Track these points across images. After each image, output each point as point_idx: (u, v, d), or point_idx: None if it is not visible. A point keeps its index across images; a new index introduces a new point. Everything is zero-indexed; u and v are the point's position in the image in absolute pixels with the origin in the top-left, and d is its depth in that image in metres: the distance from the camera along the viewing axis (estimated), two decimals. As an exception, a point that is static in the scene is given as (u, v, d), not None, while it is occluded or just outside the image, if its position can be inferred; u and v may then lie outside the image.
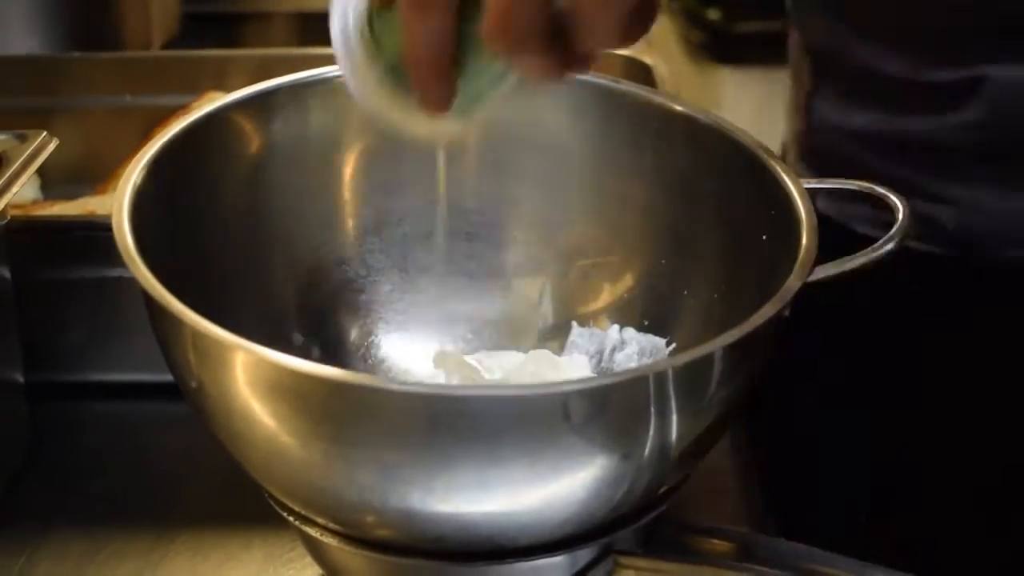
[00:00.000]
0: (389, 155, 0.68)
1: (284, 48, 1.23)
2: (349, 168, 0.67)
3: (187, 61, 1.04)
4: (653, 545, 0.58)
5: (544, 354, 0.68)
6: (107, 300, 0.74)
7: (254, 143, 0.64)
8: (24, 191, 0.94)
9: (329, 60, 0.66)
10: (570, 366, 0.68)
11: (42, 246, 0.75)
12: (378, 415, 0.49)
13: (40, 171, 0.95)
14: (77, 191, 0.94)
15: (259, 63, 1.01)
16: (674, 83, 0.95)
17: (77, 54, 1.10)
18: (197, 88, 0.98)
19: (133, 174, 0.58)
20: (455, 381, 0.66)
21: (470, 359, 0.68)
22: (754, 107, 2.46)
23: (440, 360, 0.67)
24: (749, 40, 2.42)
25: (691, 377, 0.52)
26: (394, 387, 0.51)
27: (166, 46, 1.28)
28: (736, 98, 2.45)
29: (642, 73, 0.97)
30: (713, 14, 2.42)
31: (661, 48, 2.43)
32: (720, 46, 2.42)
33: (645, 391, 0.50)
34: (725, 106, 2.45)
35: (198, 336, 0.51)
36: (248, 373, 0.50)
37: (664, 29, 2.48)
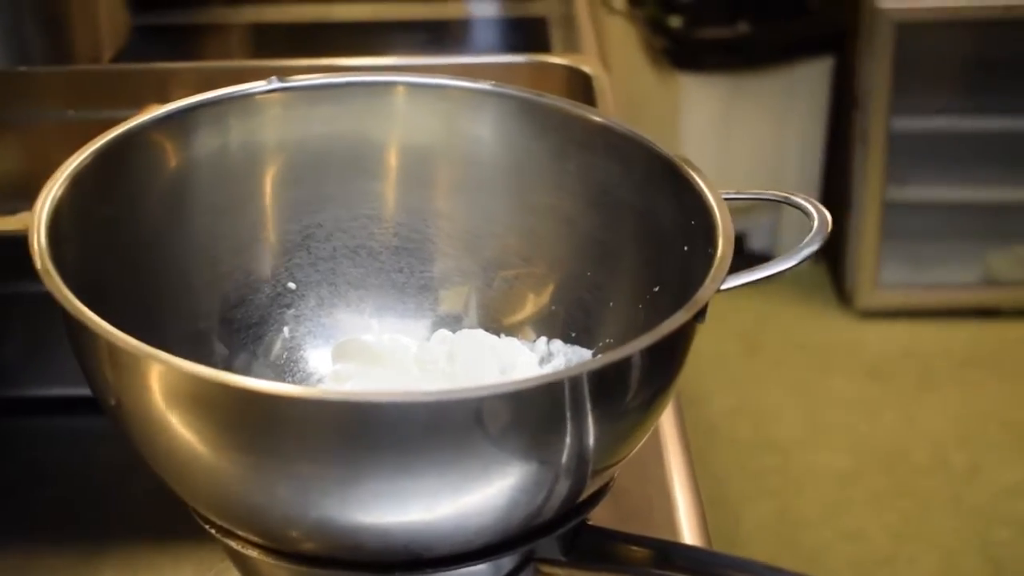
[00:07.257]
0: (313, 171, 0.68)
1: (230, 60, 1.23)
2: (271, 184, 0.68)
3: (130, 75, 1.04)
4: (575, 553, 0.58)
5: (473, 333, 0.67)
6: (41, 315, 0.73)
7: (174, 160, 0.65)
8: (-35, 206, 0.94)
9: (272, 72, 0.67)
10: (504, 347, 0.67)
11: (-27, 262, 0.75)
12: (285, 423, 0.49)
13: (-19, 186, 0.96)
14: (19, 206, 0.94)
15: (204, 76, 1.01)
16: (615, 91, 0.95)
17: (19, 69, 1.10)
18: (140, 102, 0.98)
19: (52, 188, 0.58)
20: (356, 369, 0.66)
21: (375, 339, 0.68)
22: (715, 114, 2.48)
23: (339, 351, 0.67)
24: (711, 46, 2.43)
25: (606, 382, 0.52)
26: (297, 394, 0.51)
27: (115, 58, 1.28)
28: (697, 104, 2.46)
29: (582, 82, 0.98)
30: (675, 21, 2.43)
31: (622, 55, 2.45)
32: (681, 53, 2.43)
33: (560, 396, 0.51)
34: (686, 112, 2.46)
35: (112, 348, 0.51)
36: (160, 383, 0.50)
37: (626, 36, 2.49)
